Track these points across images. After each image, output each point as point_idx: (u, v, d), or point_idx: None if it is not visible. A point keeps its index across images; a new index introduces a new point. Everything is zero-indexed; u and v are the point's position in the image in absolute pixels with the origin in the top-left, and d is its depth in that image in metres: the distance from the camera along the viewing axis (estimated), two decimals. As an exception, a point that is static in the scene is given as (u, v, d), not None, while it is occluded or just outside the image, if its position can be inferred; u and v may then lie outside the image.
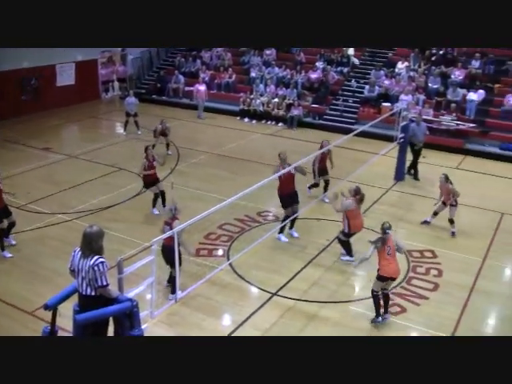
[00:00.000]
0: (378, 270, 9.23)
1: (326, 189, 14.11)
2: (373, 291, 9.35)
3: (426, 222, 12.90)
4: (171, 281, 9.67)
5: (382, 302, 9.36)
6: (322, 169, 13.98)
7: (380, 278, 9.22)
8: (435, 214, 12.77)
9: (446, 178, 12.44)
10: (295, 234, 12.25)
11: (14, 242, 11.79)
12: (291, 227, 12.21)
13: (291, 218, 11.77)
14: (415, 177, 16.02)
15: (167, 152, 17.65)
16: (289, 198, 11.79)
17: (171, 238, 8.36)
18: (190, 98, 24.52)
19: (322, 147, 13.44)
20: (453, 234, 12.44)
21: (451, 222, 12.46)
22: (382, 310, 9.35)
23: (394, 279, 9.39)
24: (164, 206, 13.12)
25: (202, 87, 22.97)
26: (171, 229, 9.34)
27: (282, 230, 12.00)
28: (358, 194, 10.96)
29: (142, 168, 13.20)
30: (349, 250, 11.21)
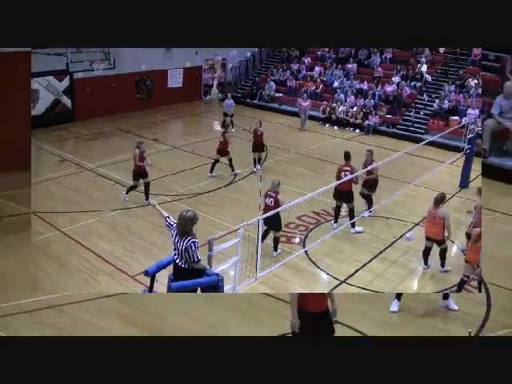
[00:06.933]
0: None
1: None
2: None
3: None
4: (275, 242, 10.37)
5: None
6: None
7: None
8: None
9: None
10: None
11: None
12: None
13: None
14: None
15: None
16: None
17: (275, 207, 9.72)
18: (279, 103, 24.67)
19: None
20: None
21: None
22: None
23: None
24: (147, 198, 12.73)
25: (305, 103, 21.85)
26: (275, 201, 9.97)
27: (353, 224, 11.75)
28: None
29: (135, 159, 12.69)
30: None
